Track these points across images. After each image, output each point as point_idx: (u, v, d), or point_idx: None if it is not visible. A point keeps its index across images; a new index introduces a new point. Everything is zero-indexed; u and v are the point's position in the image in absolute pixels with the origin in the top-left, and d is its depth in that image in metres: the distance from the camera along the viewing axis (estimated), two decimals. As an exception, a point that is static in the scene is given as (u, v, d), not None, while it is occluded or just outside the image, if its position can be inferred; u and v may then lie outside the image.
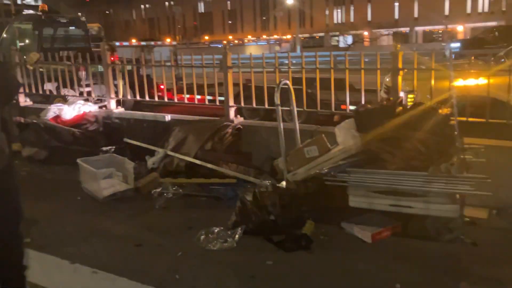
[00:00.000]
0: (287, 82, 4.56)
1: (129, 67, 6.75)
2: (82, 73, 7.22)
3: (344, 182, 3.75)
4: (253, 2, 55.84)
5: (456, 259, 3.44)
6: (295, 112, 4.67)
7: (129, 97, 6.98)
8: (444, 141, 3.64)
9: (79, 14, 14.13)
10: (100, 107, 6.89)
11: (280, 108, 4.25)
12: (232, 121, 5.64)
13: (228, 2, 59.55)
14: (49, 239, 3.95)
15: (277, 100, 4.20)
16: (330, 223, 3.96)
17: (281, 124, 4.28)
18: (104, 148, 6.25)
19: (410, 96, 4.56)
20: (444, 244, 3.59)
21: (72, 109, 6.53)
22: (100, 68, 6.99)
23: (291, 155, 4.31)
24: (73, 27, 12.63)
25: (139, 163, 5.78)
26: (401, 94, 4.64)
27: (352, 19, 47.27)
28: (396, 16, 44.07)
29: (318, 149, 4.19)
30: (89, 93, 7.29)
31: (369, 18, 45.41)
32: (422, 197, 3.55)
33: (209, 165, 4.94)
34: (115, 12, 72.90)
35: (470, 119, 4.39)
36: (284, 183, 4.22)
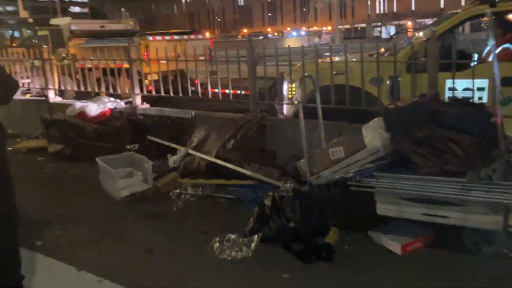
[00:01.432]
0: (311, 76, 4.23)
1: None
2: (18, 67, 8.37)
3: (371, 188, 3.40)
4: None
5: (498, 276, 3.04)
6: (320, 109, 4.34)
7: (69, 88, 7.63)
8: (485, 143, 3.22)
9: (122, 9, 14.53)
10: (126, 103, 6.77)
11: (301, 105, 3.92)
12: (256, 117, 5.35)
13: (270, -7, 59.23)
14: (60, 242, 3.82)
15: (299, 96, 3.88)
16: (356, 231, 3.63)
17: (303, 123, 3.96)
18: (128, 146, 6.15)
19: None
20: (485, 259, 3.20)
21: (97, 106, 6.43)
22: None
23: (315, 156, 3.99)
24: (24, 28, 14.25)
25: (162, 162, 5.63)
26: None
27: (395, 9, 45.83)
28: (442, 5, 42.35)
29: (344, 150, 3.85)
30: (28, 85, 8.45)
31: (413, 7, 43.87)
32: (459, 207, 3.15)
33: (229, 165, 4.68)
34: (157, 7, 74.01)
35: None
36: (306, 187, 3.90)
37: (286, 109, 5.67)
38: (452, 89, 4.29)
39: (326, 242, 3.49)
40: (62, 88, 8.04)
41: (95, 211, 4.46)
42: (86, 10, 75.79)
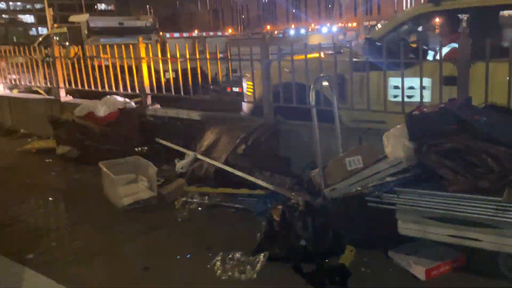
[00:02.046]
0: (326, 77, 3.86)
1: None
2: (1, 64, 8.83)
3: (392, 205, 3.02)
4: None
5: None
6: (336, 113, 3.96)
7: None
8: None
9: (147, 6, 14.48)
10: (136, 103, 6.50)
11: (315, 110, 3.55)
12: (269, 121, 5.00)
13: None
14: (53, 256, 3.55)
15: (312, 100, 3.52)
16: (374, 250, 3.25)
17: (317, 129, 3.60)
18: (137, 148, 5.90)
19: None
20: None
21: (106, 106, 6.17)
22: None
23: (330, 165, 3.62)
24: None
25: (170, 165, 5.35)
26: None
27: (422, 5, 44.69)
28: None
29: (362, 159, 3.47)
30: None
31: (441, 3, 42.69)
32: (494, 229, 2.74)
33: (238, 173, 4.34)
34: (180, 3, 74.13)
35: None
36: (320, 200, 3.54)
37: (245, 106, 5.80)
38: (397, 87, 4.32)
39: (341, 264, 3.13)
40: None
41: (95, 221, 4.18)
42: (112, 7, 76.49)
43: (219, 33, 12.78)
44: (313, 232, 3.26)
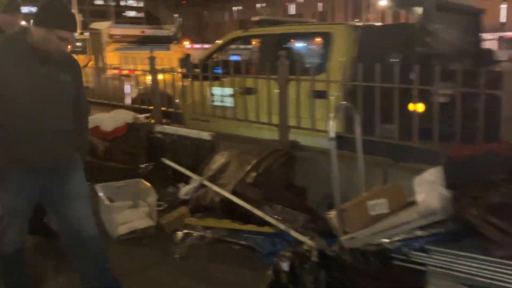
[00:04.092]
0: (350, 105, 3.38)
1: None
2: None
3: (422, 266, 2.51)
4: (345, 3, 53.89)
5: None
6: (360, 143, 3.47)
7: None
8: None
9: (175, 15, 14.24)
10: (147, 118, 6.13)
11: (334, 143, 3.06)
12: (285, 146, 4.54)
13: (320, 4, 58.14)
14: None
15: (332, 131, 3.04)
16: (398, 315, 2.74)
17: (336, 164, 3.11)
18: (143, 165, 5.52)
19: None
20: None
21: (113, 120, 5.80)
22: None
23: (349, 208, 3.12)
24: None
25: (176, 188, 4.94)
26: None
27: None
28: (504, 18, 39.79)
29: (389, 203, 2.97)
30: None
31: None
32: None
33: (246, 206, 3.88)
34: (209, 13, 74.46)
35: None
36: (336, 248, 3.04)
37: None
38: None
39: (357, 330, 2.63)
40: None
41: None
42: (141, 15, 77.29)
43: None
44: (326, 288, 2.77)
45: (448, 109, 3.55)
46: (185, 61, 5.85)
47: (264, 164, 4.26)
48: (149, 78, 6.11)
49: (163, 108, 6.00)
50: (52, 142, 2.53)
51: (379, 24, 7.69)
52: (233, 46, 9.13)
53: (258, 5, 63.21)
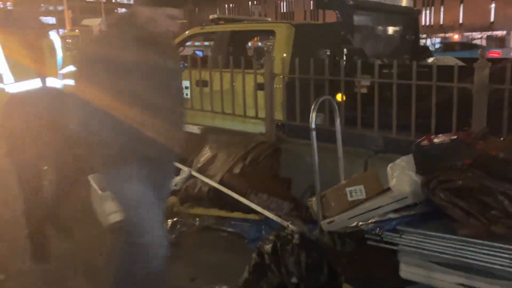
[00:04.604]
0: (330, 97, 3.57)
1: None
2: None
3: (394, 245, 2.70)
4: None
5: None
6: (339, 133, 3.66)
7: None
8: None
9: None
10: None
11: (315, 133, 3.25)
12: (270, 138, 4.72)
13: (311, 1, 58.42)
14: (26, 278, 3.28)
15: (313, 122, 3.22)
16: (373, 291, 2.94)
17: (316, 153, 3.30)
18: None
19: None
20: None
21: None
22: None
23: (329, 194, 3.31)
24: None
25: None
26: None
27: (441, 21, 44.00)
28: (492, 18, 40.30)
29: (365, 190, 3.16)
30: None
31: (460, 20, 41.99)
32: (509, 281, 2.41)
33: (233, 194, 4.05)
34: (200, 11, 74.45)
35: None
36: (316, 232, 3.23)
37: None
38: None
39: (336, 306, 2.82)
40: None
41: (73, 242, 3.90)
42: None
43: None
44: (306, 269, 2.95)
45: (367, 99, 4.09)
46: None
47: (251, 156, 4.44)
48: None
49: None
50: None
51: (312, 23, 8.37)
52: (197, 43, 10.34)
53: (249, 3, 63.36)
